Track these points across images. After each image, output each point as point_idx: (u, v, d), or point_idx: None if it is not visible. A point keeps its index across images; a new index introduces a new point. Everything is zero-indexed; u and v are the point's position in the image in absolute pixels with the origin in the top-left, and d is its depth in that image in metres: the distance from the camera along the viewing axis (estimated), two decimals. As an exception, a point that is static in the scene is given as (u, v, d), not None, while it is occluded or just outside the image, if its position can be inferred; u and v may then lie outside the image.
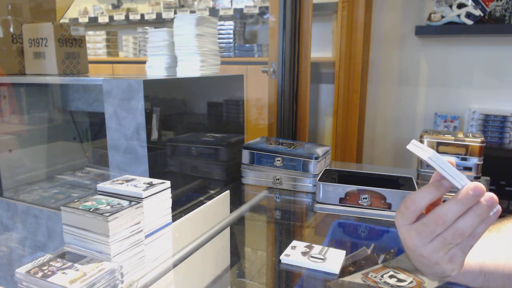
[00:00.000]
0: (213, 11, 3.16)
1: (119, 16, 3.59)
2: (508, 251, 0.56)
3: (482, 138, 1.17)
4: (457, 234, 0.48)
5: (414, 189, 1.05)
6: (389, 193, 1.03)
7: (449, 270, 0.52)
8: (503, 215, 0.73)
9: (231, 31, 2.99)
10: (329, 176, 1.17)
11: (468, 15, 2.16)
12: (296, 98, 1.83)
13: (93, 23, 3.78)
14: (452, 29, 2.22)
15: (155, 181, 0.78)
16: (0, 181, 1.27)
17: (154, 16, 3.39)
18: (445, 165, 0.49)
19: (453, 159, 0.56)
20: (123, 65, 3.45)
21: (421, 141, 1.23)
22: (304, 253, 0.84)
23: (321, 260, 0.81)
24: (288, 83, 1.77)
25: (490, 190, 1.32)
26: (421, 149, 0.51)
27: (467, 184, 0.48)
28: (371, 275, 0.77)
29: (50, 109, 1.46)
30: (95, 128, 1.54)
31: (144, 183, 0.77)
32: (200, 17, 1.22)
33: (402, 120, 2.58)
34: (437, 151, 1.21)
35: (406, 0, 2.46)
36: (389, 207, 1.03)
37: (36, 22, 1.33)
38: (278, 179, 1.27)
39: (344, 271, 0.79)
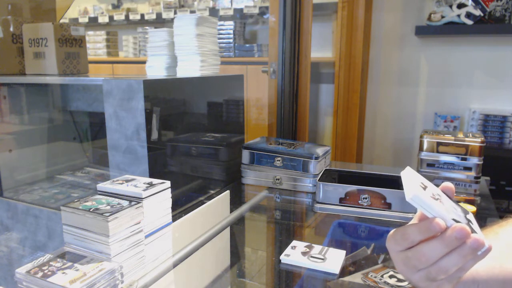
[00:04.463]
0: (213, 11, 3.16)
1: (119, 16, 3.59)
2: (503, 257, 0.55)
3: (482, 138, 1.17)
4: (441, 272, 0.48)
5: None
6: (389, 193, 1.03)
7: None
8: (502, 215, 0.72)
9: (231, 31, 2.99)
10: (329, 176, 1.17)
11: (468, 15, 2.16)
12: (296, 98, 1.83)
13: (93, 23, 3.78)
14: (452, 29, 2.22)
15: (155, 181, 0.78)
16: (0, 181, 1.27)
17: (154, 16, 3.39)
18: (428, 206, 0.48)
19: (452, 185, 0.55)
20: (123, 65, 3.45)
21: (421, 141, 1.23)
22: (304, 253, 0.84)
23: (321, 260, 0.81)
24: (288, 83, 1.77)
25: (490, 190, 1.31)
26: (408, 183, 0.50)
27: (452, 226, 0.47)
28: (371, 275, 0.77)
29: (50, 109, 1.46)
30: (95, 128, 1.54)
31: (144, 183, 0.77)
32: (200, 17, 1.22)
33: (402, 120, 2.58)
34: (437, 151, 1.21)
35: (406, 0, 2.45)
36: (389, 207, 1.03)
37: (36, 22, 1.33)
38: (278, 179, 1.27)
39: (344, 271, 0.79)
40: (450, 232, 0.47)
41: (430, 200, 0.48)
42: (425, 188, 0.51)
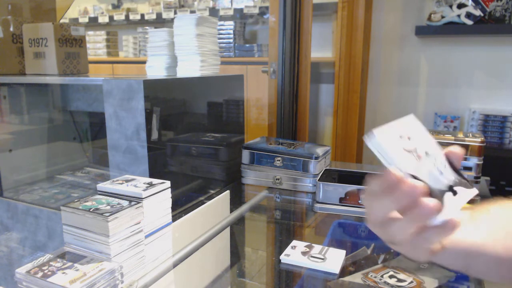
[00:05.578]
0: (213, 11, 3.16)
1: (119, 16, 3.59)
2: (491, 233, 0.54)
3: (482, 138, 1.17)
4: (396, 232, 0.44)
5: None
6: (389, 193, 1.03)
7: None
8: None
9: (231, 31, 2.99)
10: (329, 176, 1.17)
11: (468, 15, 2.16)
12: (296, 98, 1.83)
13: (93, 23, 3.78)
14: (452, 29, 2.22)
15: (155, 181, 0.78)
16: (0, 181, 1.27)
17: (154, 16, 3.39)
18: (386, 153, 0.41)
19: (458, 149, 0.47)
20: (123, 65, 3.45)
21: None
22: (304, 253, 0.84)
23: (321, 260, 0.81)
24: (288, 83, 1.77)
25: (490, 190, 1.31)
26: (390, 129, 0.44)
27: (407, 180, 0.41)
28: (371, 275, 0.77)
29: (50, 109, 1.47)
30: (95, 128, 1.54)
31: (144, 183, 0.77)
32: (200, 17, 1.22)
33: (402, 120, 2.58)
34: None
35: (406, 0, 2.45)
36: (389, 207, 1.03)
37: (36, 22, 1.33)
38: (278, 179, 1.27)
39: (344, 271, 0.79)
40: (401, 184, 0.41)
41: (392, 149, 0.41)
42: (408, 138, 0.44)
